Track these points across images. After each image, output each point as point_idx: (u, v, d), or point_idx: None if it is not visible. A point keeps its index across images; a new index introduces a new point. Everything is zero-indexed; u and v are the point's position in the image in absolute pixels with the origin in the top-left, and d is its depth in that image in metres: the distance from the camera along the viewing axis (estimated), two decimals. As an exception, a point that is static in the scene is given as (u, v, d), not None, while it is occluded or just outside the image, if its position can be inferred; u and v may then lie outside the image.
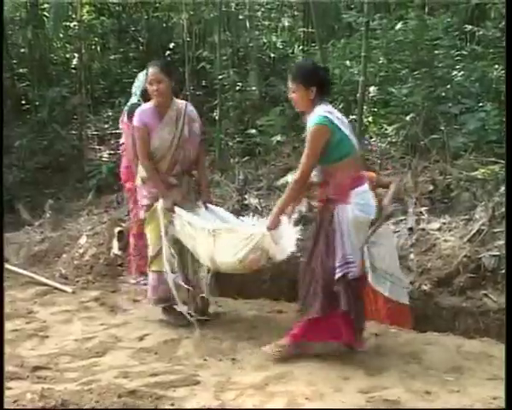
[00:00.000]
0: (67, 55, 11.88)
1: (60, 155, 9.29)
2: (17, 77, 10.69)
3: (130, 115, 6.23)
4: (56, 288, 6.24)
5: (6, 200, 8.70)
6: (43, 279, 6.44)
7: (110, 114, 10.86)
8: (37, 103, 9.95)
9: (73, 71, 11.35)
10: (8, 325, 5.33)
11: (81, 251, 6.94)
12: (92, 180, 8.74)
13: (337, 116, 4.42)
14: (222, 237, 4.74)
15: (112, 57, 11.88)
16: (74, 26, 11.55)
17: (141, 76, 6.37)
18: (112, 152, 9.67)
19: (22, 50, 11.01)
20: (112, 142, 10.20)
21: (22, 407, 3.84)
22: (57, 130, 9.33)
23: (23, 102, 10.49)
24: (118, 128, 9.93)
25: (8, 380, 4.25)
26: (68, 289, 6.19)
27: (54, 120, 9.41)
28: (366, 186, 4.53)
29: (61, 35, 11.81)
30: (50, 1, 11.09)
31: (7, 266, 6.85)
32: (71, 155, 9.51)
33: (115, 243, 6.78)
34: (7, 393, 4.05)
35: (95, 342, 4.94)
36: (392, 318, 5.40)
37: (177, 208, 4.99)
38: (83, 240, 7.09)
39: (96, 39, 12.24)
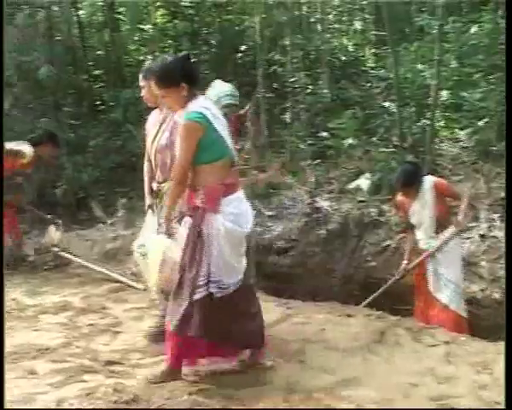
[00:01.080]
0: (141, 58, 12.08)
1: (132, 154, 9.44)
2: (93, 78, 10.92)
3: None
4: (129, 285, 6.37)
5: (80, 198, 8.96)
6: (117, 276, 6.58)
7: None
8: (111, 104, 10.15)
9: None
10: (82, 320, 5.54)
11: (152, 250, 7.04)
12: (169, 180, 8.85)
13: (213, 114, 3.95)
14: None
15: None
16: (148, 29, 11.76)
17: (217, 84, 6.42)
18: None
19: (98, 53, 11.24)
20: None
21: (96, 399, 3.96)
22: (130, 130, 9.50)
23: (98, 102, 10.70)
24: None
25: (82, 373, 4.38)
26: (140, 286, 6.30)
27: (127, 121, 9.58)
28: (241, 194, 4.07)
29: (136, 38, 12.03)
30: (126, 4, 11.31)
31: (83, 261, 7.06)
32: (143, 155, 9.64)
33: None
34: (82, 385, 4.19)
35: (165, 339, 5.03)
36: (447, 326, 5.31)
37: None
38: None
39: (169, 42, 12.40)
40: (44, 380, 4.31)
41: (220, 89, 6.00)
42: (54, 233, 7.50)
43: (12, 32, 9.25)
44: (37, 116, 9.06)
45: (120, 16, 11.66)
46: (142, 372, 4.36)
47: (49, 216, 7.78)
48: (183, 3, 12.10)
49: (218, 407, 3.83)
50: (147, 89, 4.84)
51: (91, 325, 5.39)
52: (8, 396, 4.08)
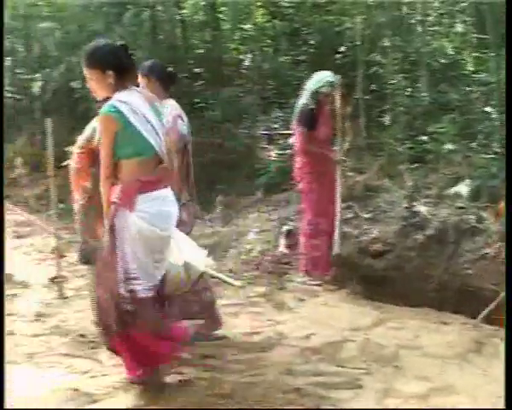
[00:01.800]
0: (241, 57, 12.22)
1: (231, 152, 9.57)
2: (193, 77, 11.11)
3: (298, 116, 6.37)
4: (225, 281, 6.46)
5: (179, 193, 9.11)
6: (214, 272, 6.67)
7: (279, 114, 11.07)
8: (211, 102, 10.30)
9: (245, 71, 11.66)
10: (180, 313, 5.65)
11: (249, 247, 7.12)
12: (261, 178, 8.94)
13: (134, 109, 3.76)
14: None
15: (282, 59, 12.09)
16: (248, 28, 11.88)
17: (316, 76, 6.48)
18: (280, 152, 9.84)
19: (199, 51, 11.43)
20: (280, 142, 10.39)
21: (192, 392, 4.04)
22: (229, 128, 9.62)
23: (198, 100, 10.88)
24: (286, 128, 10.15)
25: (179, 365, 4.46)
26: (237, 283, 6.39)
27: (226, 119, 9.71)
28: (164, 193, 3.91)
29: (236, 37, 12.18)
30: (227, 4, 11.47)
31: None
32: (241, 153, 9.78)
33: (283, 242, 6.91)
34: (179, 377, 4.30)
35: (261, 337, 5.08)
36: None
37: None
38: (251, 236, 7.27)
39: (269, 41, 12.49)
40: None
41: (318, 78, 6.12)
42: None
43: (118, 30, 9.53)
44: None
45: (221, 15, 11.83)
46: (238, 368, 4.44)
47: None
48: (282, 3, 12.18)
49: (310, 407, 3.87)
50: (143, 85, 4.86)
51: (188, 319, 5.50)
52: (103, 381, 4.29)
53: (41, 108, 10.78)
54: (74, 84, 9.50)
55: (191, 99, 10.59)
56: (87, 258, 7.05)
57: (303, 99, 6.45)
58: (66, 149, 7.70)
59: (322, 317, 5.54)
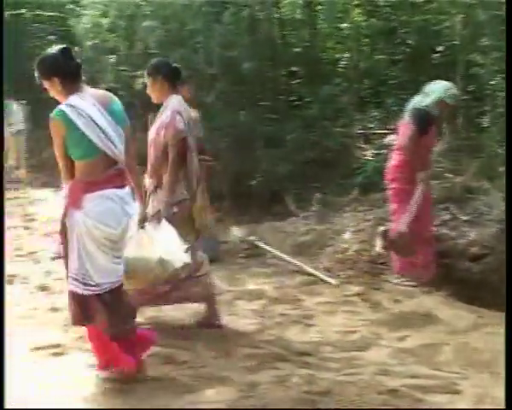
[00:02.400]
0: (338, 56, 12.17)
1: (327, 150, 9.56)
2: (290, 75, 11.15)
3: (413, 115, 6.30)
4: (321, 279, 6.50)
5: (274, 190, 9.18)
6: (310, 269, 6.72)
7: (375, 113, 10.99)
8: (308, 100, 10.32)
9: (342, 70, 11.62)
10: (276, 309, 5.73)
11: (345, 246, 7.11)
12: (358, 177, 8.91)
13: (80, 112, 3.82)
14: None
15: (379, 58, 11.97)
16: (345, 27, 11.82)
17: (442, 85, 6.43)
18: (376, 151, 9.78)
19: (296, 50, 11.45)
20: (376, 141, 10.32)
21: (287, 388, 4.10)
22: (326, 126, 9.62)
23: (294, 98, 10.91)
24: (383, 128, 10.07)
25: (275, 361, 4.56)
26: (333, 281, 6.41)
27: (323, 117, 9.71)
28: (110, 192, 3.92)
29: (333, 36, 12.14)
30: (325, 3, 11.45)
31: (277, 252, 7.31)
32: (338, 152, 9.76)
33: (378, 242, 6.87)
34: (274, 372, 4.36)
35: (356, 336, 5.09)
36: None
37: None
38: (347, 235, 7.26)
39: (365, 40, 12.39)
40: (239, 363, 4.54)
41: (444, 86, 6.12)
42: (235, 232, 8.05)
43: (218, 29, 9.69)
44: (237, 110, 9.40)
45: (318, 14, 11.82)
46: (334, 366, 4.47)
47: None
48: (380, 2, 12.06)
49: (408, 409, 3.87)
50: (149, 85, 5.12)
51: (284, 314, 5.56)
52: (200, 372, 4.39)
53: (142, 104, 11.06)
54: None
55: (288, 97, 10.65)
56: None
57: (424, 101, 6.35)
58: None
59: (417, 319, 5.49)
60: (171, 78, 5.08)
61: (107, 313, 4.01)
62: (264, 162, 9.11)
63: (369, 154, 10.01)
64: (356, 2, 11.89)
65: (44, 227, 8.56)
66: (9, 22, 13.65)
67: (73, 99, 3.90)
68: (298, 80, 10.99)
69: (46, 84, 4.05)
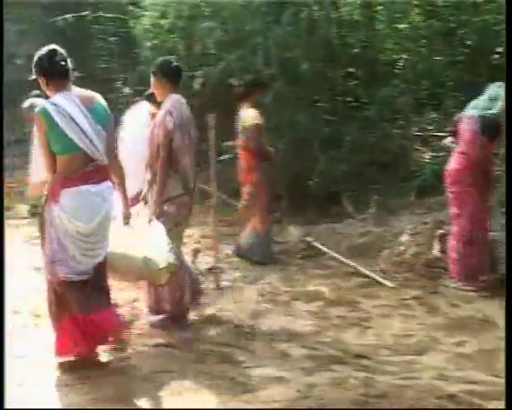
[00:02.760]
0: (395, 56, 12.06)
1: (385, 152, 9.50)
2: (348, 76, 11.10)
3: (484, 127, 6.20)
4: (378, 282, 6.46)
5: (332, 192, 9.16)
6: (367, 271, 6.69)
7: (433, 115, 10.85)
8: (365, 101, 10.26)
9: (399, 71, 11.51)
10: (333, 311, 5.73)
11: (402, 249, 7.04)
12: (415, 180, 8.82)
13: (60, 111, 4.07)
14: None
15: (437, 59, 11.81)
16: (404, 28, 11.70)
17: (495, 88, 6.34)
18: (434, 154, 9.65)
19: (354, 50, 11.39)
20: (434, 143, 10.19)
21: (344, 390, 4.10)
22: (385, 128, 9.55)
23: (352, 99, 10.85)
24: (441, 131, 9.93)
25: (331, 363, 4.57)
26: (390, 284, 6.36)
27: (381, 119, 9.65)
28: (86, 188, 4.16)
29: (391, 36, 12.02)
30: (383, 3, 11.36)
31: (335, 254, 7.29)
32: (395, 154, 9.68)
33: (436, 245, 6.80)
34: (331, 374, 4.37)
35: (413, 340, 5.04)
36: None
37: None
38: (404, 238, 7.19)
39: (424, 41, 12.24)
40: (296, 364, 4.56)
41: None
42: (293, 232, 8.03)
43: (276, 30, 9.71)
44: (295, 110, 9.40)
45: (377, 15, 11.72)
46: (390, 369, 4.45)
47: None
48: (439, 3, 11.89)
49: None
50: (152, 84, 5.36)
51: (341, 317, 5.56)
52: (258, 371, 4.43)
53: (200, 104, 11.16)
54: (233, 81, 9.76)
55: (346, 98, 10.60)
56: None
57: (491, 106, 6.25)
58: (224, 143, 8.01)
59: (475, 324, 5.41)
60: (172, 77, 5.29)
61: (77, 299, 4.28)
62: (321, 163, 9.09)
63: (426, 156, 9.89)
64: (415, 3, 11.76)
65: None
66: (71, 24, 13.94)
67: (57, 97, 4.17)
68: (355, 81, 10.93)
69: (38, 81, 4.37)
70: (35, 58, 4.32)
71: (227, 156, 8.60)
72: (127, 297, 5.84)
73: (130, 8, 13.01)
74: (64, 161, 4.19)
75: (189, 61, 11.21)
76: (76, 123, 4.10)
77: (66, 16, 13.70)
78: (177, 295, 5.24)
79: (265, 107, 7.59)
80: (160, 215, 5.01)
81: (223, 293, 6.29)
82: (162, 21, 11.49)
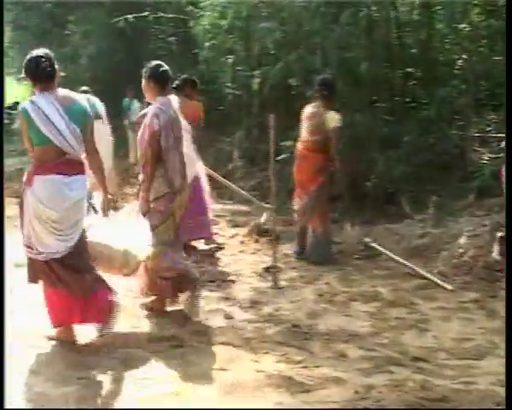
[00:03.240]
0: (454, 56, 11.91)
1: (444, 153, 9.41)
2: (406, 76, 11.01)
3: None
4: (436, 283, 6.42)
5: (390, 192, 9.12)
6: (425, 273, 6.65)
7: (492, 116, 10.70)
8: (424, 102, 10.17)
9: (459, 72, 11.36)
10: (390, 312, 5.73)
11: (460, 251, 6.97)
12: (474, 181, 8.71)
13: (37, 109, 4.57)
14: None
15: (497, 59, 11.62)
16: (463, 27, 11.54)
17: None
18: (494, 155, 9.52)
19: (413, 51, 11.30)
20: (493, 144, 10.05)
21: (402, 393, 4.09)
22: (443, 128, 9.46)
23: (410, 100, 10.77)
24: (500, 132, 9.78)
25: (389, 365, 4.57)
26: (448, 286, 6.32)
27: (440, 119, 9.56)
28: (55, 178, 4.61)
29: (451, 36, 11.87)
30: (442, 3, 11.23)
31: (392, 255, 7.25)
32: (454, 155, 9.59)
33: (496, 248, 6.72)
34: (389, 376, 4.37)
35: (472, 344, 5.00)
36: None
37: None
38: (462, 240, 7.11)
39: (484, 41, 12.05)
40: (354, 365, 4.58)
41: None
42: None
43: (336, 30, 9.71)
44: (354, 111, 9.38)
45: (436, 15, 11.60)
46: (449, 373, 4.43)
47: None
48: (500, 2, 11.70)
49: None
50: (143, 86, 5.60)
51: (399, 318, 5.54)
52: (315, 372, 4.47)
53: (259, 104, 11.26)
54: (291, 82, 9.82)
55: (404, 98, 10.52)
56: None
57: None
58: (282, 143, 8.05)
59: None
60: (160, 81, 5.52)
61: (52, 276, 4.74)
62: (379, 164, 9.06)
63: (485, 157, 9.76)
64: (475, 2, 11.60)
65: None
66: (131, 24, 14.19)
67: (37, 97, 4.69)
68: (414, 82, 10.85)
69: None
70: (25, 60, 4.79)
71: (285, 156, 8.65)
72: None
73: (190, 8, 13.17)
74: (39, 151, 4.69)
75: (248, 62, 11.32)
76: (50, 120, 4.60)
77: (128, 16, 13.94)
78: (157, 285, 5.56)
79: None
80: (146, 212, 5.34)
81: (281, 292, 6.36)
82: (221, 22, 11.60)
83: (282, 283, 6.60)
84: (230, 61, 11.44)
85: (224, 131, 12.75)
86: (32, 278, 4.84)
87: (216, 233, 8.31)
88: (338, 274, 6.86)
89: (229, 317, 5.67)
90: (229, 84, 11.71)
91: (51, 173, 4.63)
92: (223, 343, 5.04)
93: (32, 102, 4.66)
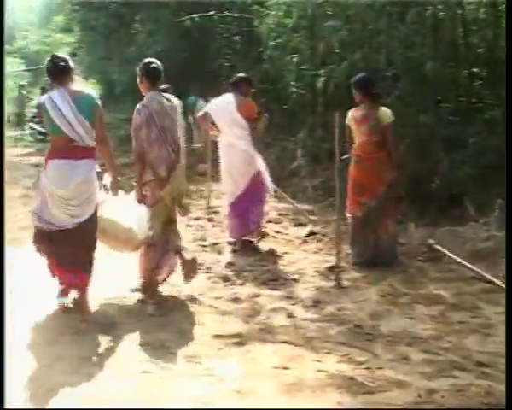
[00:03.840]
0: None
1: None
2: (472, 76, 10.85)
3: None
4: (501, 287, 6.28)
5: (454, 194, 8.99)
6: (489, 277, 6.54)
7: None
8: (490, 102, 10.01)
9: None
10: (454, 316, 5.67)
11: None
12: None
13: (52, 104, 5.44)
14: None
15: None
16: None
17: None
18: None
19: (479, 50, 11.13)
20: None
21: (465, 398, 4.08)
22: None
23: (475, 100, 10.61)
24: None
25: (452, 369, 4.54)
26: (513, 290, 6.22)
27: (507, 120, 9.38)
28: (63, 162, 5.44)
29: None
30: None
31: (456, 258, 7.15)
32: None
33: None
34: (452, 381, 4.35)
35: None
36: None
37: None
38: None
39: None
40: (417, 368, 4.57)
41: None
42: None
43: (401, 29, 9.66)
44: (418, 111, 9.31)
45: (502, 13, 11.39)
46: (514, 379, 4.39)
47: None
48: None
49: None
50: (138, 82, 6.20)
51: (462, 322, 5.49)
52: (377, 373, 4.47)
53: (323, 103, 11.25)
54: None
55: (470, 99, 10.38)
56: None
57: None
58: (345, 143, 8.01)
59: None
60: (150, 76, 6.11)
61: (56, 247, 5.54)
62: (444, 165, 8.95)
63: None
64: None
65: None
66: (197, 23, 14.37)
67: (53, 92, 5.56)
68: (480, 82, 10.68)
69: None
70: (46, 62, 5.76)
71: (348, 155, 8.62)
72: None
73: (255, 7, 13.23)
74: (53, 139, 5.60)
75: (313, 60, 11.34)
76: (61, 112, 5.41)
77: (193, 16, 14.12)
78: (149, 267, 6.05)
79: (387, 106, 7.56)
80: (139, 198, 5.99)
81: (344, 292, 6.37)
82: (286, 20, 11.64)
83: (345, 282, 6.61)
84: (295, 59, 11.47)
85: (288, 129, 12.79)
86: (36, 245, 5.66)
87: (278, 232, 8.38)
88: (401, 276, 6.81)
89: (291, 316, 5.71)
90: (293, 83, 11.74)
91: (60, 158, 5.47)
92: (285, 342, 5.09)
93: (49, 97, 5.52)
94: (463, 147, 9.15)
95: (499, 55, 10.40)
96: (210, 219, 9.39)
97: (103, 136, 5.68)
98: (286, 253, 7.76)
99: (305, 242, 8.18)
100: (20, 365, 4.62)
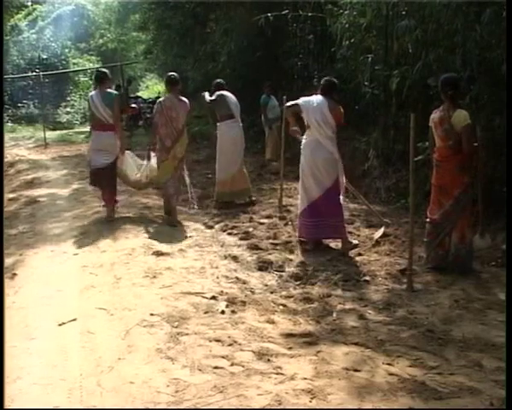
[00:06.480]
0: None
1: None
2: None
3: None
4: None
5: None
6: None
7: None
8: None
9: None
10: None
11: None
12: None
13: (95, 97, 9.29)
14: None
15: None
16: None
17: None
18: None
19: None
20: None
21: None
22: None
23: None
24: None
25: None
26: None
27: None
28: (98, 133, 9.39)
29: None
30: None
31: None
32: None
33: None
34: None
35: None
36: None
37: None
38: None
39: None
40: (489, 375, 4.55)
41: None
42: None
43: (477, 29, 9.49)
44: (493, 113, 9.15)
45: None
46: None
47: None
48: None
49: None
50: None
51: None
52: (449, 379, 4.45)
53: (396, 104, 11.18)
54: (430, 81, 9.66)
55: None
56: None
57: None
58: (419, 144, 7.94)
59: None
60: (167, 83, 9.90)
61: (99, 178, 9.47)
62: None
63: None
64: None
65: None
66: (270, 22, 14.45)
67: (93, 92, 9.63)
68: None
69: None
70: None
71: (422, 157, 8.57)
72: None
73: (329, 6, 13.21)
74: (92, 119, 9.57)
75: (387, 61, 11.26)
76: (93, 101, 9.27)
77: (268, 15, 14.20)
78: (165, 196, 9.69)
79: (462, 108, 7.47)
80: (148, 157, 9.77)
81: (416, 295, 6.36)
82: (360, 20, 11.58)
83: (417, 286, 6.60)
84: (369, 59, 11.40)
85: (361, 130, 12.77)
86: (91, 182, 9.77)
87: (350, 232, 8.39)
88: (474, 280, 6.74)
89: (362, 317, 5.76)
90: (366, 83, 11.68)
91: (96, 130, 9.41)
92: (356, 344, 5.14)
93: (91, 95, 9.40)
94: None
95: None
96: (282, 218, 9.44)
97: (118, 117, 9.49)
98: (358, 254, 7.77)
99: (377, 243, 8.16)
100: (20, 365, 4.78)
